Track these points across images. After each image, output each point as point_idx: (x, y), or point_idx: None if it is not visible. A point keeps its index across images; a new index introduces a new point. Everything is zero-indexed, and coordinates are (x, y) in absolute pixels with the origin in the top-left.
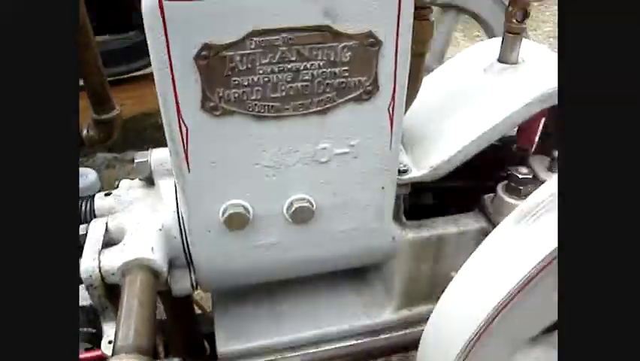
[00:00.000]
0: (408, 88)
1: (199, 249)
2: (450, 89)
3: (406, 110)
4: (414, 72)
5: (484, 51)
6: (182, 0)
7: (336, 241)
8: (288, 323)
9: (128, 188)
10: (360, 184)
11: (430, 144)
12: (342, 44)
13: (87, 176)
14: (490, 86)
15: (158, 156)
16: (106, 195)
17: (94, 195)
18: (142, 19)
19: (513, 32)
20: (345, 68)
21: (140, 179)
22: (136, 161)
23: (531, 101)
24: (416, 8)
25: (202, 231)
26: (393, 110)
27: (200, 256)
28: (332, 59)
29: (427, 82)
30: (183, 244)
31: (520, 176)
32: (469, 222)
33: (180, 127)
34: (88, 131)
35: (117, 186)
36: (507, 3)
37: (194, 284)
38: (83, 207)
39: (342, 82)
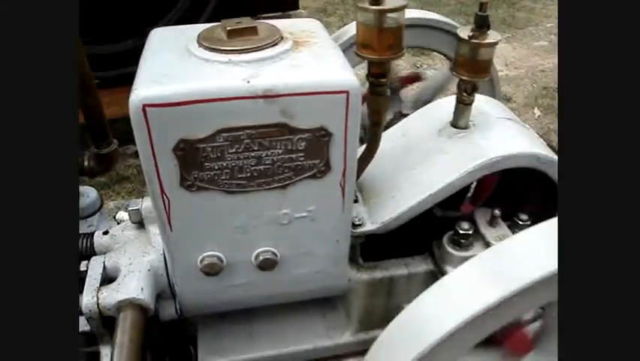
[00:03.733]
0: (366, 152)
1: (181, 287)
2: (408, 144)
3: (365, 168)
4: (372, 139)
5: (442, 110)
6: (161, 106)
7: (298, 281)
8: (259, 341)
9: (123, 229)
10: (317, 239)
11: (384, 199)
12: (298, 137)
13: (88, 195)
14: (440, 149)
15: (148, 205)
16: (104, 233)
17: (93, 233)
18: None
19: (464, 103)
20: (301, 154)
21: (132, 222)
22: (129, 208)
23: (472, 170)
24: (372, 85)
25: (184, 274)
26: (344, 184)
27: (183, 292)
28: (289, 148)
29: (392, 132)
30: (169, 280)
31: (461, 231)
32: (419, 265)
33: (163, 199)
34: (89, 162)
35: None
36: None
37: (179, 312)
38: (84, 244)
39: (299, 165)
